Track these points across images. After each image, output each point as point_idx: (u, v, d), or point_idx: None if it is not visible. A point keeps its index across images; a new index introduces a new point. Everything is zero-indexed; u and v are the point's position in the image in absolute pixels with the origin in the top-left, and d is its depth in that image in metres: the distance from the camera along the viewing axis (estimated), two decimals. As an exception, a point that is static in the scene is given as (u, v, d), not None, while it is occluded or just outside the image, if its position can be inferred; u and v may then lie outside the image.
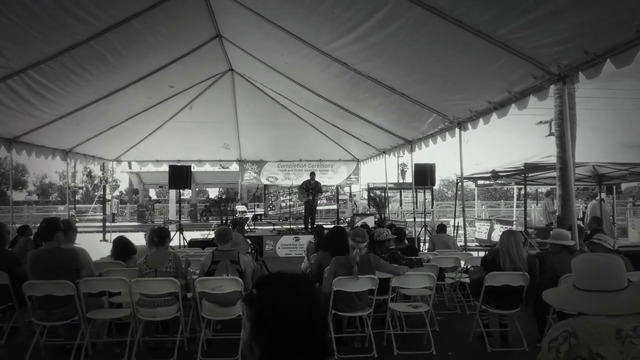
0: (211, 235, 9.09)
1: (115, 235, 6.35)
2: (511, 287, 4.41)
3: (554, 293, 1.80)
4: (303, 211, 12.60)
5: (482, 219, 16.39)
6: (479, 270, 4.66)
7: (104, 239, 14.64)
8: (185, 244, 9.74)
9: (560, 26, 3.69)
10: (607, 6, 3.28)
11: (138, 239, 6.36)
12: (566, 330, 1.49)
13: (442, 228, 8.03)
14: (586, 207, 11.49)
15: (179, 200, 13.24)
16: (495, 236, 11.27)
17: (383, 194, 15.94)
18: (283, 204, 16.03)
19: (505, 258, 4.47)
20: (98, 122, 8.97)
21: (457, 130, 7.14)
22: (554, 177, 10.13)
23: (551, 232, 5.10)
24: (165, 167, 12.07)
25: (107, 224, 15.93)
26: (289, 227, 12.37)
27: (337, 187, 16.57)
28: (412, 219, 11.17)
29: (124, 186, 41.44)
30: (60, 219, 4.71)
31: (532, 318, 4.74)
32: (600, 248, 4.32)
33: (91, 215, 23.76)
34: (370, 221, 10.85)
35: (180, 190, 11.34)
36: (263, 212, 17.66)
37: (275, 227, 13.28)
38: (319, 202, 13.79)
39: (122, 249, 5.38)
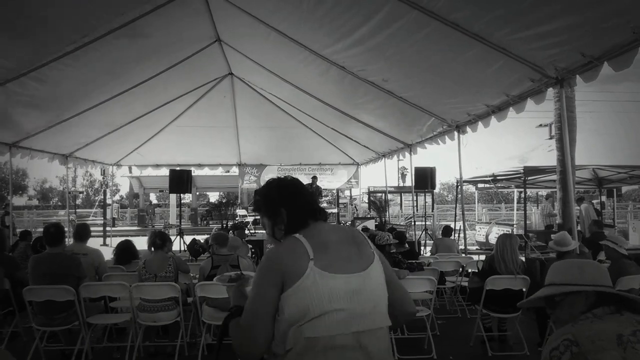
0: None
1: (115, 240, 6.35)
2: (512, 290, 4.41)
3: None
4: None
5: (482, 222, 16.37)
6: (478, 281, 4.65)
7: (104, 244, 14.63)
8: (185, 248, 9.71)
9: (556, 29, 3.69)
10: (603, 9, 3.28)
11: (139, 244, 6.34)
12: (567, 339, 1.46)
13: (447, 231, 7.72)
14: (579, 210, 11.49)
15: (180, 205, 13.26)
16: (493, 238, 11.26)
17: (383, 198, 15.93)
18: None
19: (500, 262, 4.47)
20: (98, 126, 8.99)
21: (455, 133, 7.15)
22: (554, 181, 10.15)
23: (552, 235, 5.09)
24: (165, 171, 12.08)
25: (108, 228, 15.93)
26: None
27: (337, 190, 16.56)
28: (413, 223, 11.15)
29: (124, 190, 41.60)
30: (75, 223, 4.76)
31: (533, 322, 4.74)
32: (614, 253, 4.25)
33: (92, 220, 23.76)
34: (371, 225, 10.84)
35: (181, 195, 11.32)
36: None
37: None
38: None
39: (124, 253, 5.39)
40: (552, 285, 1.65)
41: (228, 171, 16.65)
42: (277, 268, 1.46)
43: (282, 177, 1.78)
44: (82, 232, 4.92)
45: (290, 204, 1.63)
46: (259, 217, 1.76)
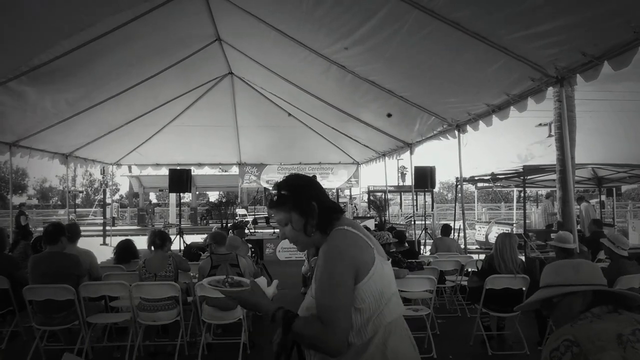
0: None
1: (115, 239, 6.34)
2: (511, 290, 4.41)
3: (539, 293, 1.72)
4: None
5: (482, 222, 16.38)
6: (477, 280, 4.65)
7: (104, 243, 14.63)
8: (183, 248, 9.69)
9: (557, 28, 3.68)
10: (604, 8, 3.28)
11: (139, 243, 6.34)
12: (568, 339, 1.45)
13: (446, 230, 7.54)
14: (579, 209, 11.53)
15: (179, 204, 13.23)
16: (492, 238, 11.26)
17: (383, 197, 15.94)
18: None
19: (499, 261, 4.47)
20: (98, 126, 8.98)
21: (456, 132, 7.14)
22: (554, 180, 10.14)
23: (552, 234, 5.08)
24: (165, 171, 12.07)
25: (107, 227, 15.93)
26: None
27: (337, 190, 16.56)
28: (412, 222, 11.14)
29: (124, 190, 41.59)
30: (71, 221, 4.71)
31: (533, 321, 4.74)
32: (613, 255, 4.25)
33: (91, 219, 23.78)
34: (371, 224, 10.84)
35: (181, 194, 11.33)
36: (267, 216, 17.67)
37: (276, 230, 13.30)
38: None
39: (124, 252, 5.37)
40: (549, 286, 1.65)
41: (226, 170, 16.66)
42: (350, 260, 1.49)
43: (298, 173, 1.80)
44: (72, 232, 4.70)
45: (320, 198, 1.63)
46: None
